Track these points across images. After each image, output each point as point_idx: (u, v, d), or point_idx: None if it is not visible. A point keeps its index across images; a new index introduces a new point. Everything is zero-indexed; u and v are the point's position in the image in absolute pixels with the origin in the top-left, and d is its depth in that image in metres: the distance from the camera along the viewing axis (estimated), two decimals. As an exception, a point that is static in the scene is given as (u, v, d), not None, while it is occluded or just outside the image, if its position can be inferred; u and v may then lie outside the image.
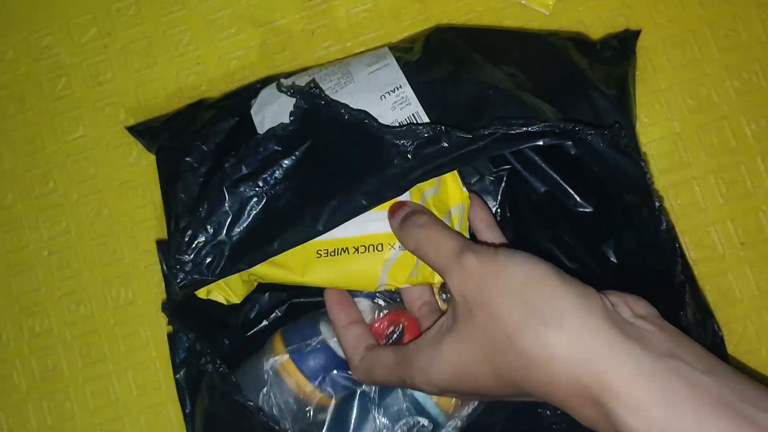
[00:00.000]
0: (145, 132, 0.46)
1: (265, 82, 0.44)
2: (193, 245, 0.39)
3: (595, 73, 0.41)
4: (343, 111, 0.39)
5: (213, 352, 0.41)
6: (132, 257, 0.49)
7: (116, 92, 0.50)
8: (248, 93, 0.43)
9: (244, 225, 0.39)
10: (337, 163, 0.39)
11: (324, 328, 0.42)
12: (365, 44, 0.48)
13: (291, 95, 0.40)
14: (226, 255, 0.39)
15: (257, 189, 0.39)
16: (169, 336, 0.44)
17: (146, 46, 0.50)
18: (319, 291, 0.42)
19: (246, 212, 0.39)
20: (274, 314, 0.46)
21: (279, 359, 0.40)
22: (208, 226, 0.39)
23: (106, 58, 0.50)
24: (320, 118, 0.39)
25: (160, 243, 0.46)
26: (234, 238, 0.39)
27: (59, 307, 0.49)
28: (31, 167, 0.50)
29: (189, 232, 0.39)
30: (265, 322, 0.46)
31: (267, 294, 0.46)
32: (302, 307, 0.46)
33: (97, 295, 0.49)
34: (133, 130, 0.47)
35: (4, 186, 0.50)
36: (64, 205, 0.50)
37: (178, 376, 0.44)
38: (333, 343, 0.41)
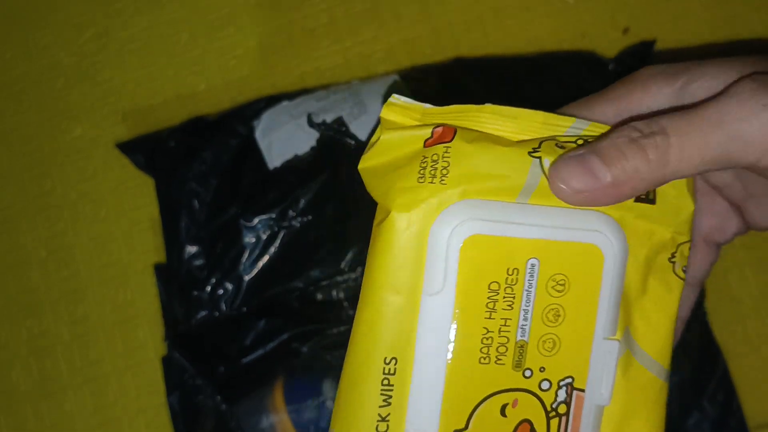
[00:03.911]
0: (137, 149, 0.46)
1: (268, 102, 0.44)
2: (212, 281, 0.39)
3: None
4: None
5: (211, 388, 0.40)
6: (129, 258, 0.48)
7: (114, 92, 0.50)
8: (250, 113, 0.43)
9: (263, 260, 0.39)
10: (359, 202, 0.39)
11: (327, 388, 0.41)
12: (365, 44, 0.48)
13: (321, 132, 0.40)
14: (244, 290, 0.39)
15: (274, 224, 0.39)
16: (164, 359, 0.44)
17: (144, 46, 0.50)
18: (318, 319, 0.41)
19: (263, 248, 0.39)
20: (271, 343, 0.43)
21: (278, 418, 0.40)
22: (225, 261, 0.39)
23: (104, 58, 0.50)
24: (338, 149, 0.40)
25: (158, 269, 0.46)
26: (252, 273, 0.39)
27: (57, 308, 0.49)
28: (29, 167, 0.50)
29: (206, 269, 0.39)
30: (261, 351, 0.43)
31: (263, 321, 0.44)
32: (303, 336, 0.43)
33: (95, 296, 0.49)
34: (124, 147, 0.46)
35: (1, 186, 0.50)
36: (62, 205, 0.49)
37: (170, 398, 0.43)
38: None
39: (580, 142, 0.25)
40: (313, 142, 0.41)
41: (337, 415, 0.26)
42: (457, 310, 0.25)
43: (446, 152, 0.25)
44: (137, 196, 0.49)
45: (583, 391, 0.26)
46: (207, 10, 0.50)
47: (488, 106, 0.26)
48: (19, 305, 0.49)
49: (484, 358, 0.25)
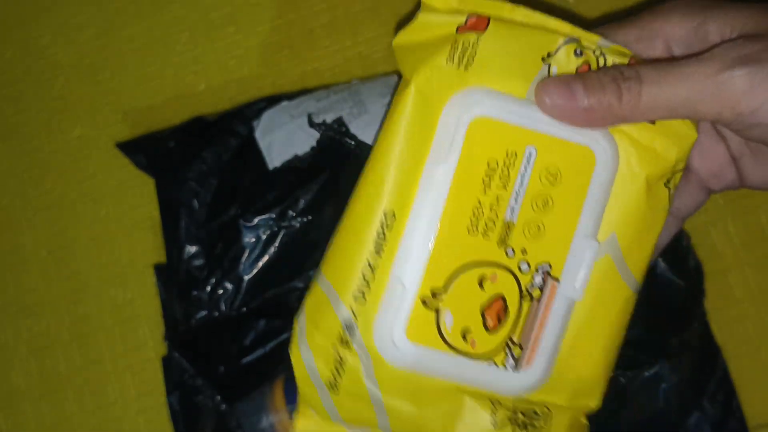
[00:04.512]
0: (137, 149, 0.46)
1: (268, 102, 0.44)
2: (211, 281, 0.39)
3: None
4: None
5: (211, 388, 0.40)
6: (129, 258, 0.48)
7: (114, 92, 0.50)
8: (250, 113, 0.43)
9: (263, 260, 0.39)
10: None
11: None
12: (364, 44, 0.48)
13: (321, 132, 0.40)
14: (244, 290, 0.39)
15: (274, 224, 0.40)
16: (164, 359, 0.44)
17: (144, 45, 0.50)
18: None
19: (263, 248, 0.39)
20: (271, 343, 0.43)
21: (278, 418, 0.40)
22: (225, 261, 0.39)
23: (104, 58, 0.50)
24: (338, 149, 0.40)
25: (158, 269, 0.46)
26: (251, 273, 0.39)
27: (57, 308, 0.49)
28: (29, 167, 0.50)
29: (206, 269, 0.39)
30: (261, 351, 0.43)
31: (263, 321, 0.43)
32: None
33: (95, 296, 0.49)
34: (124, 147, 0.47)
35: (1, 186, 0.50)
36: (62, 205, 0.49)
37: (170, 398, 0.43)
38: None
39: (597, 52, 0.28)
40: (313, 142, 0.41)
41: (329, 257, 0.29)
42: (455, 180, 0.27)
43: (477, 41, 0.27)
44: (137, 196, 0.49)
45: (558, 281, 0.28)
46: (207, 9, 0.50)
47: (521, 9, 0.28)
48: (19, 305, 0.49)
49: (473, 229, 0.28)
